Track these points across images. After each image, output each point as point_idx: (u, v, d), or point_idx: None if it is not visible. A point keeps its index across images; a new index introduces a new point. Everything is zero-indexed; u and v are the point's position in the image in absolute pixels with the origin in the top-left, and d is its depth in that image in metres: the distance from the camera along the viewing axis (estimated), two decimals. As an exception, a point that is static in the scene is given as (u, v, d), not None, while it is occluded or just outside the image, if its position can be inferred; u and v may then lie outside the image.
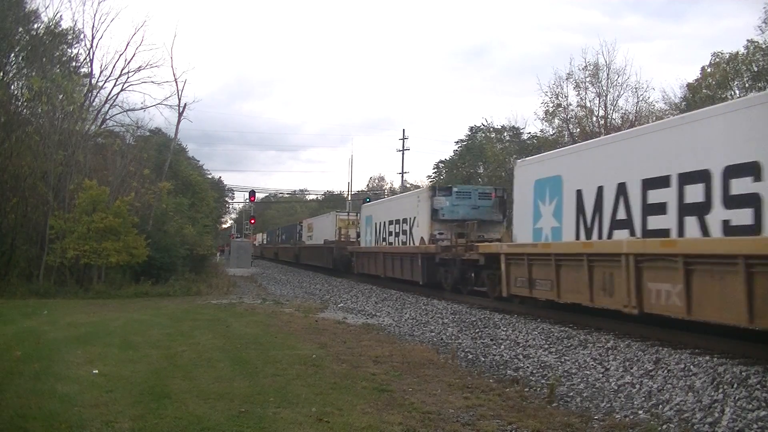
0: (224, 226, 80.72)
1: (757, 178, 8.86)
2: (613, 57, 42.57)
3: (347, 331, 13.29)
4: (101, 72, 29.81)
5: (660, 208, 10.80)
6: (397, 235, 24.67)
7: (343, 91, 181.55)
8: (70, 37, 29.68)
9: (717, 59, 35.62)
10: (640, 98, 38.23)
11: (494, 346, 11.70)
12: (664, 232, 10.60)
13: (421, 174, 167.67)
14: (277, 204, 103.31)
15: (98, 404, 6.71)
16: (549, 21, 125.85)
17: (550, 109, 41.08)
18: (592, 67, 38.39)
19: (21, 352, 9.56)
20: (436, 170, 60.59)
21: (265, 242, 75.97)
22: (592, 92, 39.17)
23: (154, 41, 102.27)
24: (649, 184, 11.06)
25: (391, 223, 25.67)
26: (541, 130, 44.73)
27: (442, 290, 20.54)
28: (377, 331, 13.77)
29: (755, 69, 33.10)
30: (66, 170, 22.72)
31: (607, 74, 38.12)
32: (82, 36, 29.76)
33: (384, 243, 26.28)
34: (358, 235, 32.89)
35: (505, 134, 52.60)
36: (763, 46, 32.65)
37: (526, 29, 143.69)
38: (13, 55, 27.75)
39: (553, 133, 42.47)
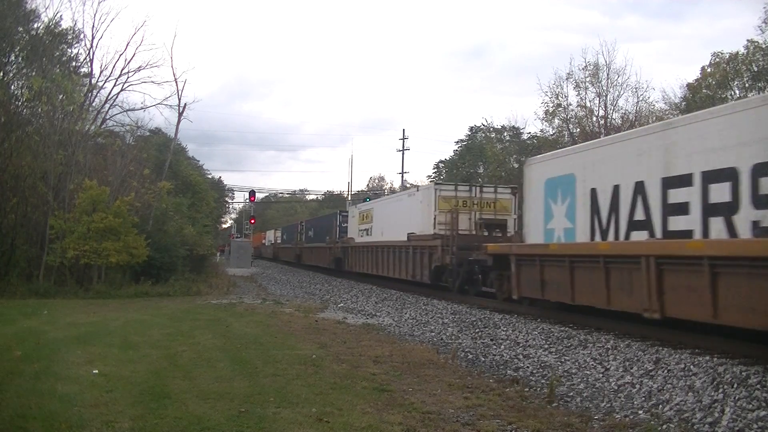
0: (224, 226, 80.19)
1: None
2: (613, 57, 42.68)
3: (347, 331, 13.29)
4: (101, 72, 29.89)
5: None
6: (713, 209, 9.94)
7: (343, 91, 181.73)
8: (70, 37, 29.74)
9: (717, 59, 35.63)
10: (640, 98, 38.34)
11: (494, 346, 11.69)
12: None
13: (421, 174, 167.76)
14: (277, 204, 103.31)
15: (98, 404, 6.71)
16: (548, 21, 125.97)
17: (550, 109, 41.17)
18: (592, 67, 38.49)
19: (21, 352, 9.57)
20: (436, 170, 60.63)
21: (278, 241, 60.90)
22: (592, 92, 39.27)
23: (154, 41, 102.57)
24: None
25: (670, 182, 10.84)
26: (541, 130, 44.84)
27: None
28: (377, 331, 13.77)
29: (755, 69, 33.11)
30: (66, 170, 22.71)
31: (607, 74, 38.22)
32: (82, 36, 29.85)
33: (656, 232, 11.12)
34: (481, 225, 20.59)
35: (505, 134, 52.68)
36: (763, 46, 32.66)
37: (526, 29, 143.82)
38: (13, 55, 27.76)
39: (553, 133, 42.53)
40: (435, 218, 20.98)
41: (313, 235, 42.49)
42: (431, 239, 20.66)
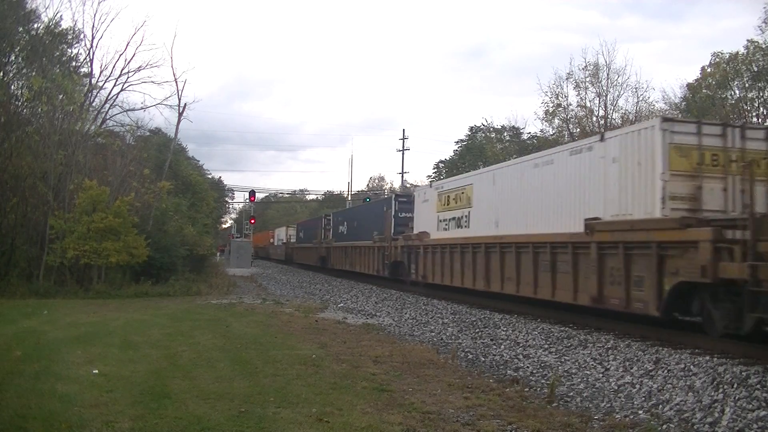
0: (224, 226, 79.98)
1: None
2: (613, 57, 42.67)
3: (347, 331, 13.29)
4: (101, 72, 29.89)
5: None
6: None
7: (343, 91, 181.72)
8: (70, 37, 29.75)
9: (717, 59, 35.64)
10: (640, 98, 38.34)
11: (494, 346, 11.70)
12: None
13: (421, 174, 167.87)
14: (277, 204, 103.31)
15: (98, 404, 6.71)
16: (547, 21, 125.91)
17: (550, 109, 41.22)
18: (592, 67, 38.49)
19: (21, 352, 9.56)
20: (436, 170, 60.59)
21: (293, 240, 51.78)
22: (592, 92, 39.31)
23: (154, 41, 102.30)
24: None
25: None
26: (541, 130, 44.89)
27: None
28: (377, 331, 13.77)
29: (755, 69, 33.09)
30: (66, 170, 22.71)
31: (607, 74, 38.25)
32: (82, 36, 29.86)
33: None
34: None
35: (505, 134, 52.69)
36: (763, 46, 32.65)
37: (525, 30, 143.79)
38: (13, 55, 27.76)
39: (553, 133, 42.55)
40: (664, 187, 11.16)
41: (348, 232, 33.18)
42: (671, 227, 10.62)
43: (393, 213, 25.60)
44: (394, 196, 26.94)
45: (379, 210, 27.82)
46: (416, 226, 23.08)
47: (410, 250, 23.02)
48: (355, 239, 31.24)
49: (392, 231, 25.07)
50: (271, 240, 63.76)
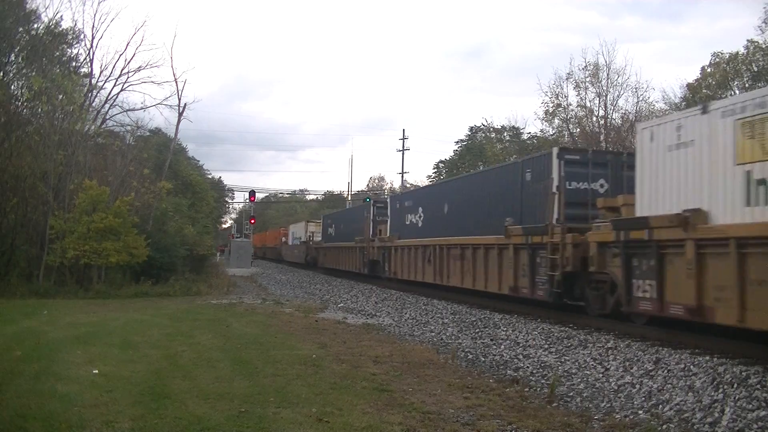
0: (224, 226, 79.93)
1: None
2: (613, 57, 42.66)
3: (347, 331, 13.29)
4: (101, 72, 29.89)
5: None
6: None
7: (343, 91, 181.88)
8: (70, 37, 29.75)
9: (717, 59, 35.65)
10: (640, 98, 38.26)
11: (494, 346, 11.70)
12: None
13: (421, 174, 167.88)
14: (277, 204, 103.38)
15: (98, 404, 6.70)
16: (547, 22, 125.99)
17: (550, 109, 41.14)
18: (592, 67, 38.43)
19: (21, 352, 9.56)
20: (436, 170, 60.59)
21: (318, 239, 41.78)
22: (592, 92, 39.21)
23: (154, 41, 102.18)
24: None
25: None
26: (541, 130, 44.82)
27: None
28: (377, 331, 13.77)
29: (755, 69, 33.13)
30: (66, 170, 22.71)
31: (607, 74, 38.15)
32: (82, 36, 29.86)
33: None
34: None
35: (505, 134, 52.66)
36: (763, 46, 32.70)
37: (525, 30, 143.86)
38: (13, 55, 27.78)
39: (553, 133, 42.53)
40: None
41: (425, 223, 22.12)
42: None
43: (555, 183, 14.01)
44: (556, 151, 14.46)
45: (511, 180, 16.21)
46: (644, 200, 11.19)
47: (632, 249, 11.36)
48: (443, 233, 19.85)
49: (555, 216, 13.76)
50: (284, 239, 55.09)
